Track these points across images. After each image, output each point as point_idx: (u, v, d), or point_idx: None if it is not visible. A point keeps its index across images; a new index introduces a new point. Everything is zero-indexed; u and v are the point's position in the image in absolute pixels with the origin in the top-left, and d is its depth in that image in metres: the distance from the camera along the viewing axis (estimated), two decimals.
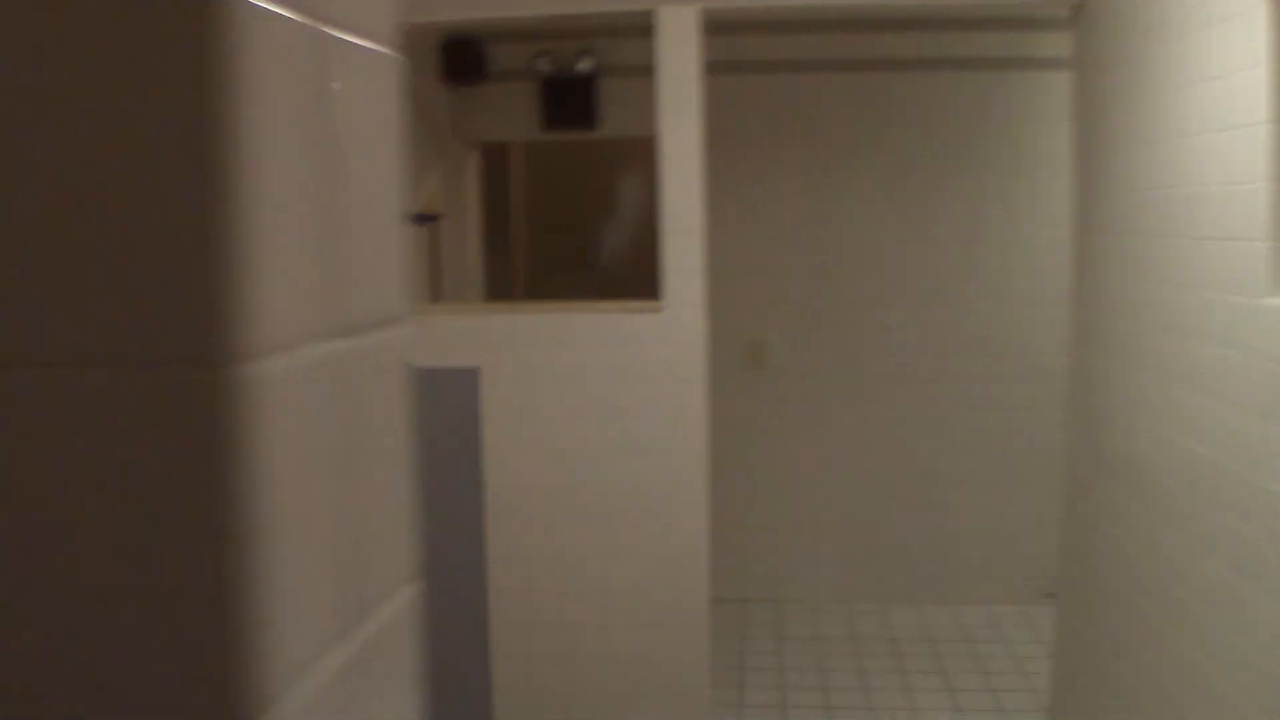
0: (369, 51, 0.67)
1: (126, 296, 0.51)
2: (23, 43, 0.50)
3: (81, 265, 0.51)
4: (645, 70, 3.24)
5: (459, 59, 4.54)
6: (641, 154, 3.38)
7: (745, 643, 4.43)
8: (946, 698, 3.86)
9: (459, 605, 2.32)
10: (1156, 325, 2.60)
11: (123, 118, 0.50)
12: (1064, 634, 3.40)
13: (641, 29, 3.16)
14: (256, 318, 0.52)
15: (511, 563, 3.29)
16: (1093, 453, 3.09)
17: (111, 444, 0.51)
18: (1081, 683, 3.20)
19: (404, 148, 0.72)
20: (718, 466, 4.78)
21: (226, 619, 0.52)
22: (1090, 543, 3.11)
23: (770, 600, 4.87)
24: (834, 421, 4.83)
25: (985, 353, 4.69)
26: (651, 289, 3.24)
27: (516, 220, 6.21)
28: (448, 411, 2.24)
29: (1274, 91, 2.06)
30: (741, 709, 3.84)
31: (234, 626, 0.52)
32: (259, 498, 0.53)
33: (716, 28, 3.40)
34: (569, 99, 4.68)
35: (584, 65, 4.62)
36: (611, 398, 3.20)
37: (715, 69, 4.46)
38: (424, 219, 4.58)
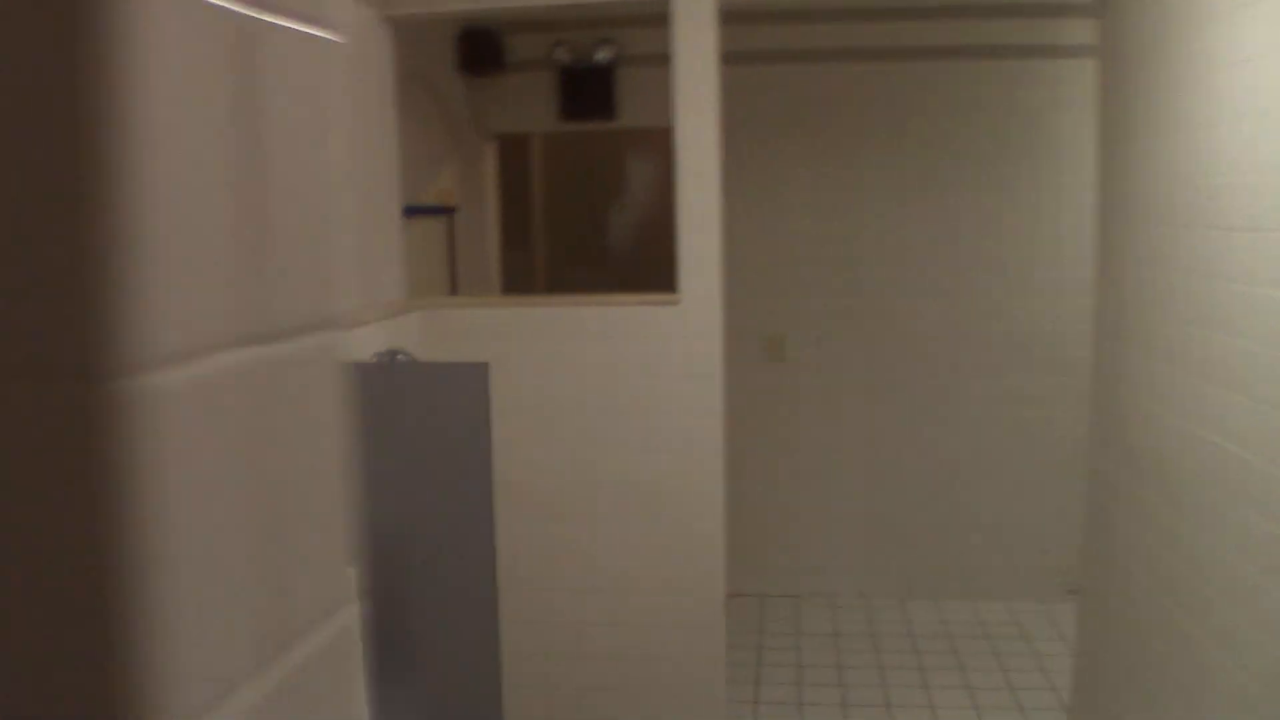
0: (301, 35, 0.61)
1: None
2: None
3: None
4: (665, 60, 3.20)
5: (476, 49, 4.51)
6: (662, 144, 3.34)
7: (762, 638, 4.40)
8: (965, 695, 3.81)
9: (467, 600, 2.29)
10: (1182, 317, 2.54)
11: None
12: (1086, 632, 3.35)
13: (661, 17, 3.11)
14: (149, 325, 0.47)
15: (526, 558, 3.26)
16: (1116, 447, 3.04)
17: None
18: (1103, 682, 3.14)
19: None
20: (736, 460, 4.75)
21: (113, 660, 0.46)
22: (1113, 539, 3.05)
23: (788, 595, 4.83)
24: (854, 415, 4.79)
25: (1008, 345, 4.63)
26: (673, 281, 3.20)
27: (536, 212, 6.18)
28: (457, 406, 2.21)
29: None
30: (757, 706, 3.80)
31: (121, 668, 0.46)
32: (152, 525, 0.47)
33: (734, 17, 3.35)
34: (587, 89, 4.65)
35: (602, 55, 4.58)
36: (627, 391, 3.17)
37: (733, 59, 4.41)
38: (440, 211, 4.55)
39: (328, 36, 0.63)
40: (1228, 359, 2.30)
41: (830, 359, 4.76)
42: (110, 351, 0.45)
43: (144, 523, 0.46)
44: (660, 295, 3.15)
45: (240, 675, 0.54)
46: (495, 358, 3.18)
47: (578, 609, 3.29)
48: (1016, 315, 4.61)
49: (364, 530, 1.93)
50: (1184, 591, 2.52)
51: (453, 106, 4.57)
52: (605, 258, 6.33)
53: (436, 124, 4.55)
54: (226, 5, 0.53)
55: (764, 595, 4.84)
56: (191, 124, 0.51)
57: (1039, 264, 4.57)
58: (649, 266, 3.10)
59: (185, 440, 0.49)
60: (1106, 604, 3.12)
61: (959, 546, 4.75)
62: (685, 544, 3.23)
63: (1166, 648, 2.63)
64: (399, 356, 2.73)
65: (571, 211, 6.37)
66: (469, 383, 2.24)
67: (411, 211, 4.14)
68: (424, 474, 2.29)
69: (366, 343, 2.73)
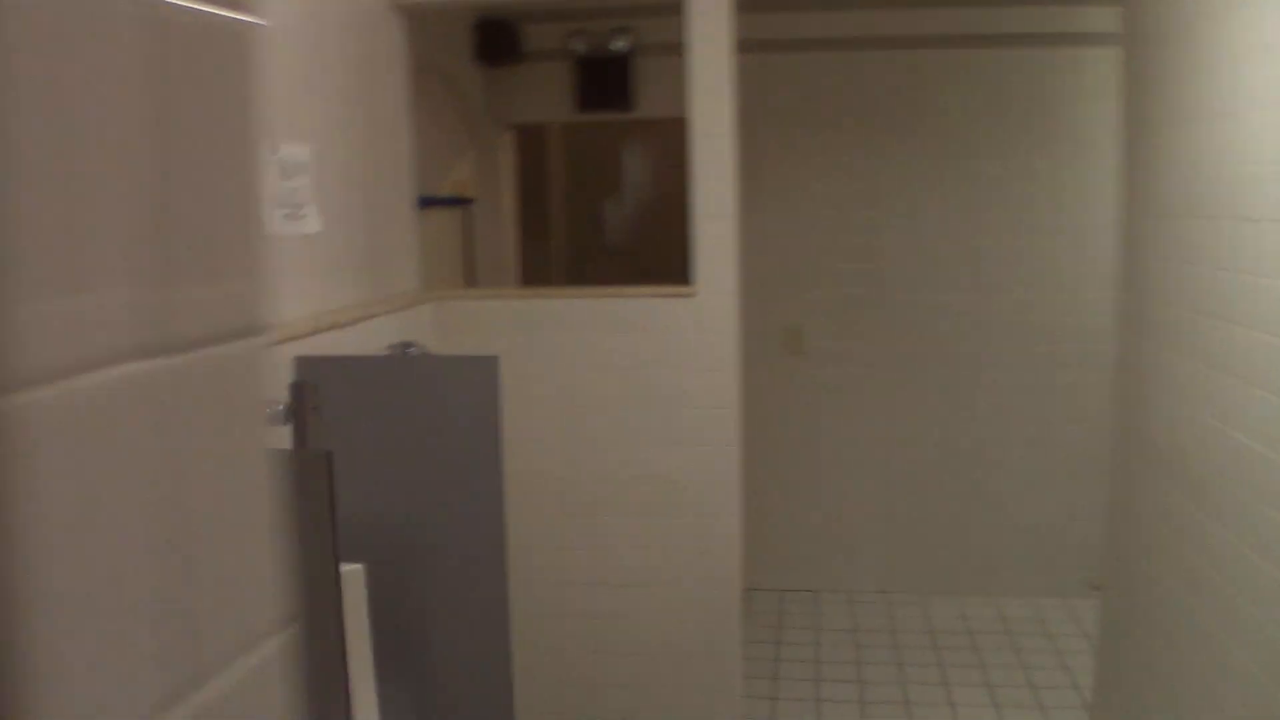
0: (213, 18, 0.56)
1: None
2: None
3: None
4: (683, 49, 3.16)
5: (492, 39, 4.48)
6: (681, 135, 3.31)
7: (781, 633, 4.36)
8: (985, 693, 3.77)
9: (478, 593, 2.27)
10: (1206, 311, 2.48)
11: None
12: (1108, 630, 3.29)
13: (678, 5, 3.07)
14: (23, 336, 0.42)
15: (541, 551, 3.24)
16: (1138, 442, 2.98)
17: None
18: (1125, 680, 3.09)
19: (251, 132, 0.60)
20: (755, 454, 4.72)
21: None
22: (1135, 536, 3.00)
23: (807, 591, 4.80)
24: (874, 408, 4.74)
25: (1031, 337, 4.57)
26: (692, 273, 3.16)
27: (554, 203, 6.15)
28: (467, 399, 2.19)
29: None
30: (775, 702, 3.77)
31: None
32: (28, 558, 0.42)
33: (752, 5, 3.31)
34: (604, 79, 4.61)
35: (619, 44, 4.54)
36: (642, 384, 3.14)
37: (752, 47, 4.37)
38: (456, 202, 4.53)
39: (246, 19, 0.59)
40: (1252, 354, 2.24)
41: (850, 352, 4.71)
42: None
43: (18, 556, 0.42)
44: (675, 287, 3.11)
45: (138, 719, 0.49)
46: (509, 350, 3.16)
47: (593, 603, 3.27)
48: (1039, 308, 4.54)
49: (377, 522, 1.91)
50: (1207, 589, 2.46)
51: (469, 97, 4.55)
52: (625, 249, 6.30)
53: (452, 115, 4.52)
54: None
55: (783, 590, 4.81)
56: (75, 111, 0.46)
57: (1062, 256, 4.50)
58: (669, 258, 3.06)
59: (69, 463, 0.45)
60: (1129, 601, 3.07)
61: (980, 542, 4.70)
62: (702, 538, 3.19)
63: (1190, 646, 2.58)
64: (411, 349, 2.70)
65: (590, 202, 6.35)
66: (479, 375, 2.21)
67: (427, 203, 4.12)
68: (434, 467, 2.26)
69: (379, 335, 2.71)
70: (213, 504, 0.55)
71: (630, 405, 3.15)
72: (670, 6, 3.14)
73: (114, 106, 0.48)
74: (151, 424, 0.50)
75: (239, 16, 0.58)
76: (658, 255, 5.83)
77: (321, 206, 2.50)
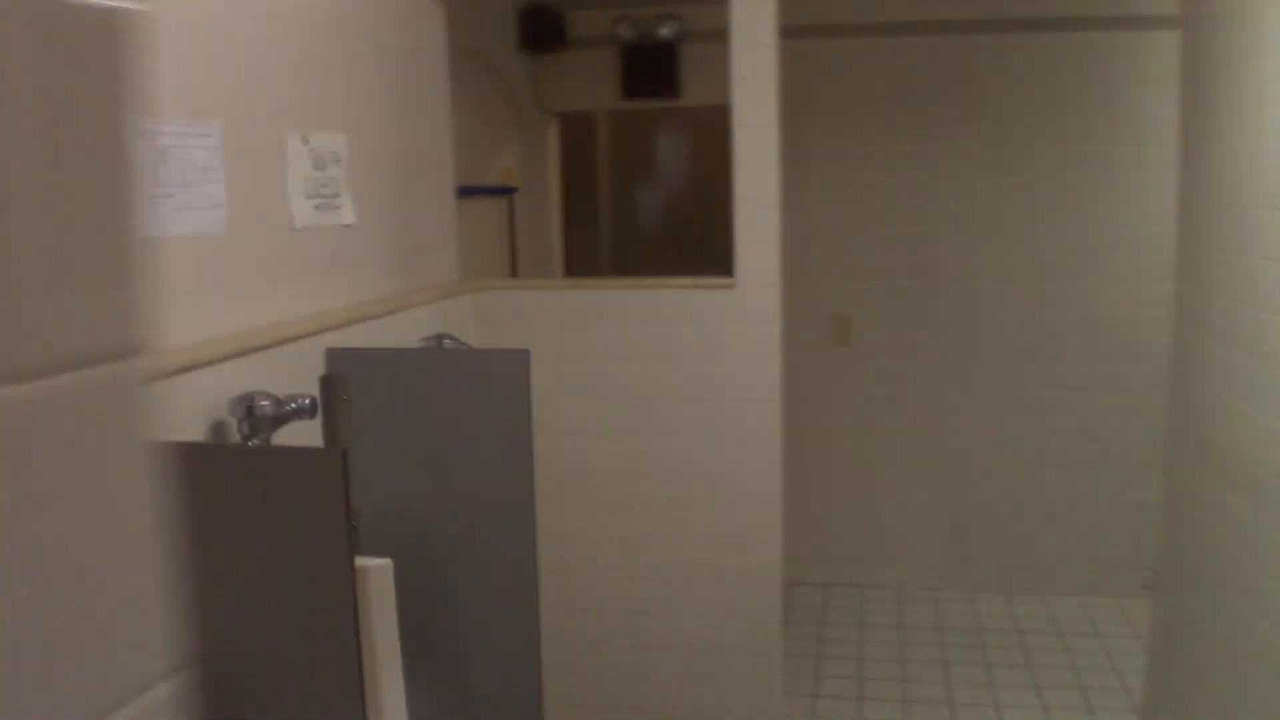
0: (76, 8, 0.50)
1: None
2: None
3: None
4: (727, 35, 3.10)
5: (538, 27, 4.45)
6: (728, 123, 3.26)
7: (824, 629, 4.30)
8: (1033, 694, 3.68)
9: (508, 586, 2.25)
10: (1265, 305, 2.39)
11: None
12: (1160, 632, 3.20)
13: None
14: None
15: (579, 544, 3.22)
16: (1193, 439, 2.88)
17: None
18: (1176, 684, 3.00)
19: (122, 131, 0.53)
20: (802, 446, 4.66)
21: None
22: (1189, 535, 2.90)
23: (853, 585, 4.73)
24: (923, 400, 4.65)
25: (1085, 330, 4.45)
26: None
27: (602, 192, 6.12)
28: (498, 392, 2.16)
29: None
30: (816, 699, 3.72)
31: None
32: None
33: None
34: (650, 66, 4.56)
35: (665, 31, 4.49)
36: (682, 376, 3.09)
37: (804, 33, 4.30)
38: (500, 191, 4.51)
39: (123, 4, 0.54)
40: None
41: (899, 343, 4.63)
42: None
43: None
44: (715, 279, 3.06)
45: None
46: (548, 341, 3.14)
47: (630, 597, 3.23)
48: (1095, 299, 4.43)
49: (406, 515, 1.89)
50: (1263, 595, 2.37)
51: (514, 85, 4.52)
52: (672, 238, 6.25)
53: (497, 103, 4.50)
54: None
55: (828, 584, 4.74)
56: None
57: (1118, 246, 4.38)
58: (717, 247, 3.01)
59: None
60: (1181, 604, 2.98)
61: (1031, 539, 4.60)
62: (742, 532, 3.15)
63: (1244, 652, 2.49)
64: (446, 340, 2.68)
65: (638, 191, 6.30)
66: (510, 368, 2.18)
67: (470, 192, 4.10)
68: (465, 459, 2.24)
69: (415, 326, 2.69)
70: (86, 539, 0.50)
71: (670, 397, 3.11)
72: None
73: None
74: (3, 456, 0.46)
75: (115, 2, 0.52)
76: (706, 245, 5.78)
77: (357, 196, 2.49)
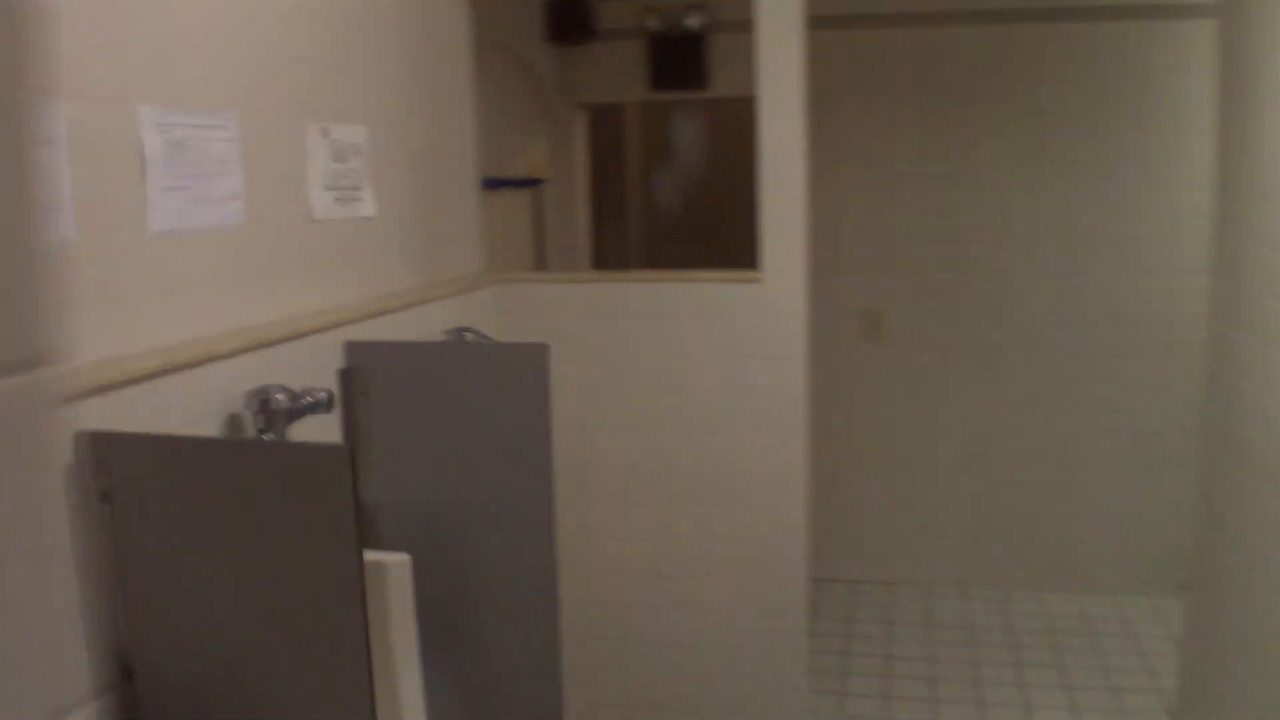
0: None
1: None
2: None
3: None
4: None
5: (566, 18, 4.42)
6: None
7: (852, 626, 4.26)
8: (1063, 695, 3.63)
9: (527, 582, 2.23)
10: None
11: None
12: (1192, 633, 3.14)
13: None
14: None
15: (602, 540, 3.19)
16: (1227, 438, 2.82)
17: None
18: (1210, 687, 2.94)
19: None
20: (830, 440, 4.62)
21: None
22: (1224, 536, 2.84)
23: (882, 582, 4.68)
24: (955, 395, 4.59)
25: (1120, 324, 4.38)
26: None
27: (631, 185, 6.09)
28: (517, 386, 2.14)
29: None
30: (842, 697, 3.68)
31: None
32: None
33: None
34: (678, 57, 4.52)
35: (693, 21, 4.46)
36: (708, 371, 3.06)
37: (829, 23, 4.24)
38: (527, 183, 4.49)
39: None
40: None
41: (930, 337, 4.57)
42: None
43: None
44: (741, 273, 3.02)
45: None
46: (571, 334, 3.12)
47: (655, 592, 3.21)
48: (1130, 293, 4.35)
49: (425, 510, 1.87)
50: None
51: (541, 77, 4.49)
52: (703, 230, 6.21)
53: (524, 95, 4.48)
54: None
55: (856, 581, 4.70)
56: None
57: (1155, 241, 4.30)
58: (749, 240, 2.97)
59: None
60: (1215, 606, 2.92)
61: (1064, 536, 4.53)
62: (767, 528, 3.11)
63: (1276, 656, 2.42)
64: (467, 334, 2.66)
65: (667, 183, 6.27)
66: (529, 362, 2.16)
67: (495, 184, 4.08)
68: (484, 454, 2.22)
69: (437, 319, 2.68)
70: None
71: (695, 392, 3.08)
72: None
73: None
74: None
75: None
76: (736, 237, 5.74)
77: (378, 188, 2.47)
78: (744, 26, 2.95)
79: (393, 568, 2.03)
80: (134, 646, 1.53)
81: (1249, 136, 2.68)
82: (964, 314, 4.53)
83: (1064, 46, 4.26)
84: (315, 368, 2.12)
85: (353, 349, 2.22)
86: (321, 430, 2.12)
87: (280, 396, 1.81)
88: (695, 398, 3.08)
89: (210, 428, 1.77)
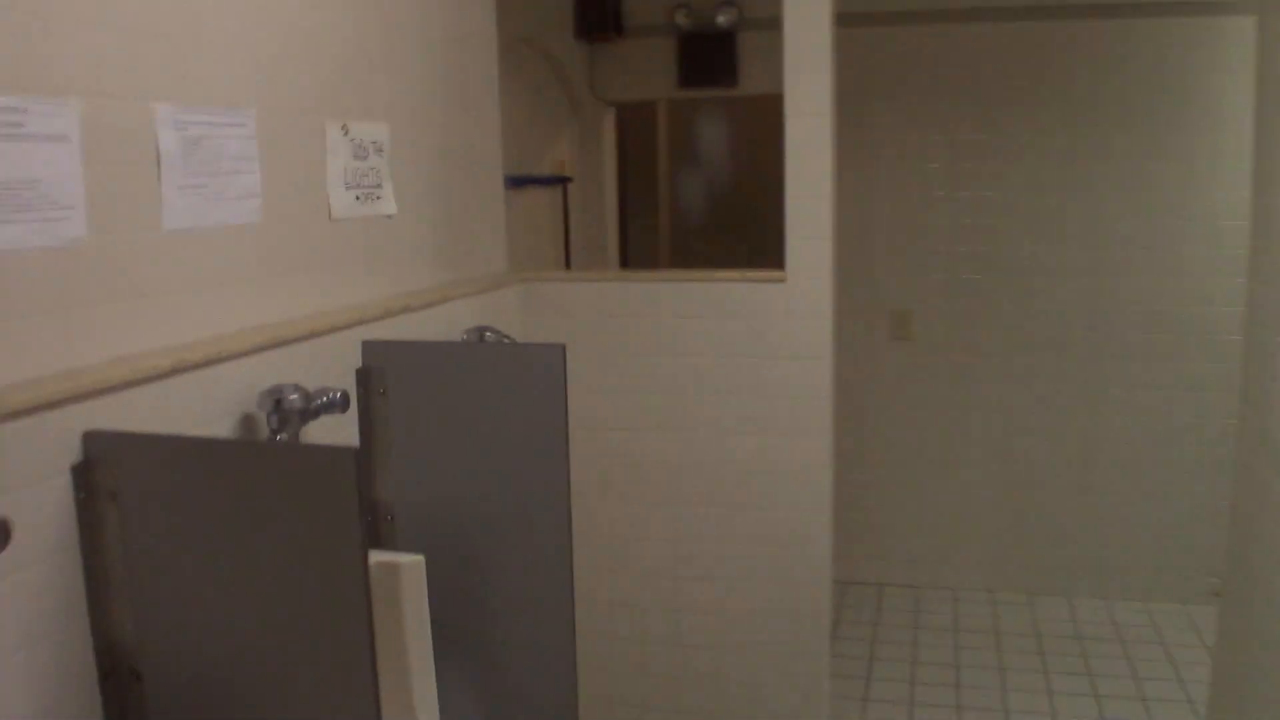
0: None
1: None
2: None
3: None
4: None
5: (594, 14, 4.40)
6: None
7: (877, 630, 4.22)
8: (1091, 703, 3.57)
9: (541, 585, 2.22)
10: None
11: None
12: (1225, 642, 3.07)
13: None
14: None
15: (625, 541, 3.17)
16: (1265, 443, 2.76)
17: None
18: (1240, 697, 2.88)
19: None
20: (858, 442, 4.58)
21: None
22: (1258, 543, 2.78)
23: (908, 586, 4.63)
24: (985, 397, 4.54)
25: (1154, 326, 4.31)
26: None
27: (661, 182, 6.06)
28: (532, 387, 2.12)
29: None
30: (866, 703, 3.64)
31: None
32: None
33: None
34: (708, 54, 4.49)
35: (724, 18, 4.43)
36: (731, 371, 3.03)
37: (860, 21, 4.20)
38: (554, 181, 4.48)
39: None
40: None
41: (961, 338, 4.52)
42: None
43: None
44: (766, 272, 2.99)
45: None
46: (596, 333, 3.10)
47: (676, 595, 3.18)
48: (1165, 294, 4.28)
49: (442, 510, 1.86)
50: None
51: (570, 74, 4.48)
52: (733, 229, 6.18)
53: (552, 92, 4.46)
54: None
55: (882, 584, 4.66)
56: None
57: (1191, 241, 4.22)
58: (780, 240, 2.94)
59: None
60: (1249, 613, 2.85)
61: (1094, 541, 4.47)
62: (791, 530, 3.08)
63: None
64: (487, 333, 2.65)
65: (698, 181, 6.23)
66: (546, 363, 2.14)
67: (522, 182, 4.08)
68: (500, 454, 2.21)
69: (458, 318, 2.66)
70: None
71: (719, 392, 3.05)
72: None
73: None
74: None
75: None
76: (768, 236, 5.70)
77: (399, 186, 2.46)
78: (774, 23, 2.92)
79: (406, 568, 2.02)
80: (141, 647, 1.52)
81: None
82: (995, 314, 4.47)
83: (1100, 44, 4.19)
84: (333, 367, 2.11)
85: (370, 348, 2.21)
86: (339, 430, 2.11)
87: (294, 396, 1.80)
88: (719, 398, 3.05)
89: (224, 427, 1.76)
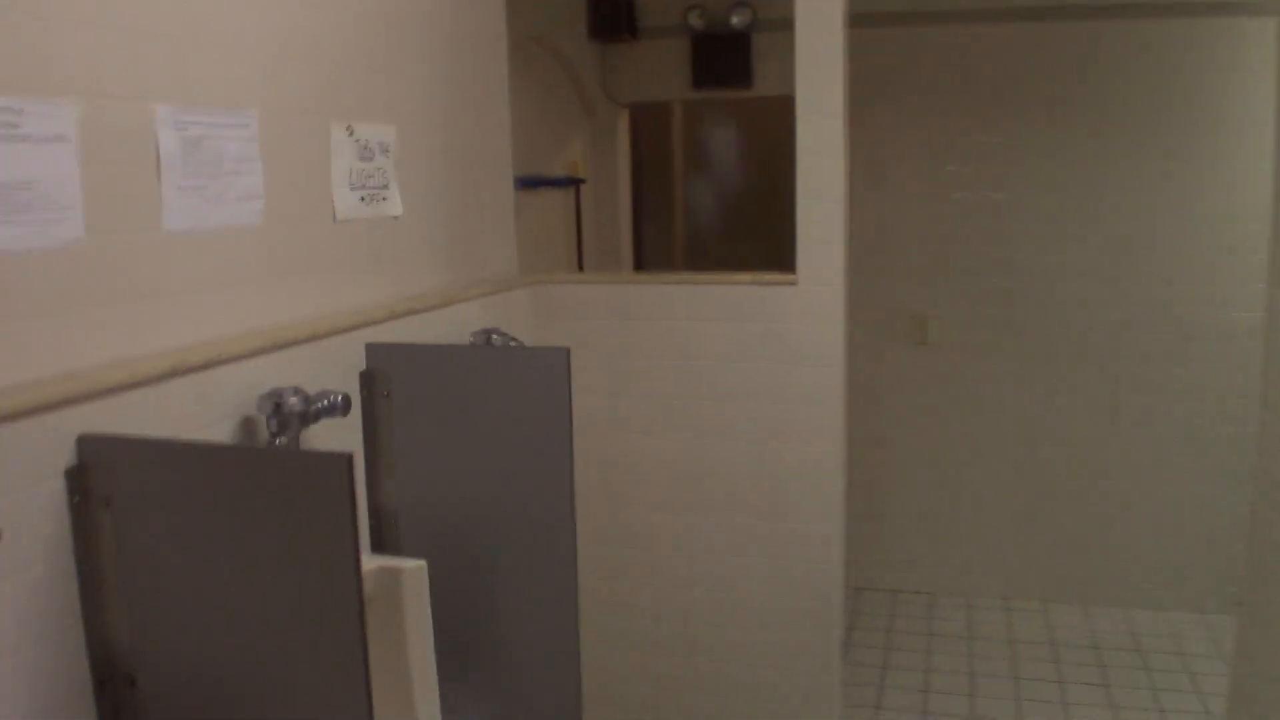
0: None
1: None
2: None
3: None
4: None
5: (608, 15, 4.38)
6: None
7: (891, 637, 4.17)
8: (1108, 714, 3.52)
9: (546, 590, 2.20)
10: None
11: None
12: (1244, 652, 3.02)
13: None
14: None
15: (635, 547, 3.15)
16: None
17: None
18: (1260, 710, 2.83)
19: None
20: (874, 447, 4.54)
21: None
22: (1276, 551, 2.73)
23: (923, 593, 4.59)
24: (1002, 402, 4.49)
25: (1175, 331, 4.25)
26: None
27: (676, 184, 6.03)
28: (536, 391, 2.10)
29: None
30: (878, 711, 3.60)
31: None
32: None
33: None
34: (722, 55, 4.47)
35: (738, 19, 4.40)
36: (742, 375, 3.00)
37: (875, 22, 4.16)
38: (566, 183, 4.46)
39: None
40: None
41: (977, 343, 4.47)
42: None
43: None
44: (777, 275, 2.96)
45: None
46: (606, 336, 3.07)
47: (687, 600, 3.15)
48: (1183, 299, 4.22)
49: (446, 514, 1.84)
50: None
51: (583, 74, 4.45)
52: (748, 231, 6.14)
53: (565, 92, 4.44)
54: None
55: (896, 591, 4.61)
56: None
57: (1212, 246, 4.16)
58: (795, 241, 2.91)
59: None
60: (1269, 624, 2.81)
61: (1112, 549, 4.41)
62: (800, 538, 3.05)
63: None
64: (494, 336, 2.63)
65: (713, 183, 6.20)
66: (551, 367, 2.12)
67: (534, 183, 4.06)
68: (505, 458, 2.19)
69: (465, 321, 2.64)
70: None
71: (729, 397, 3.02)
72: None
73: None
74: None
75: None
76: (783, 238, 5.66)
77: (406, 188, 2.44)
78: (788, 24, 2.88)
79: (408, 574, 2.00)
80: (136, 653, 1.50)
81: None
82: (1013, 318, 4.42)
83: (1122, 45, 4.14)
84: (336, 370, 2.10)
85: (374, 351, 2.19)
86: (342, 433, 2.10)
87: (294, 400, 1.78)
88: (730, 402, 3.02)
89: (223, 431, 1.75)
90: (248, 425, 1.80)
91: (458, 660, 2.30)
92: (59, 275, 1.51)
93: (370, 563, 2.00)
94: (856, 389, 4.46)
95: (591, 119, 4.64)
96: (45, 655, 1.41)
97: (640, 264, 5.20)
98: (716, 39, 4.43)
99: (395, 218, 2.40)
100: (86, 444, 1.46)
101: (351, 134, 2.21)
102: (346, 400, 1.89)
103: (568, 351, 2.09)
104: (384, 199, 2.35)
